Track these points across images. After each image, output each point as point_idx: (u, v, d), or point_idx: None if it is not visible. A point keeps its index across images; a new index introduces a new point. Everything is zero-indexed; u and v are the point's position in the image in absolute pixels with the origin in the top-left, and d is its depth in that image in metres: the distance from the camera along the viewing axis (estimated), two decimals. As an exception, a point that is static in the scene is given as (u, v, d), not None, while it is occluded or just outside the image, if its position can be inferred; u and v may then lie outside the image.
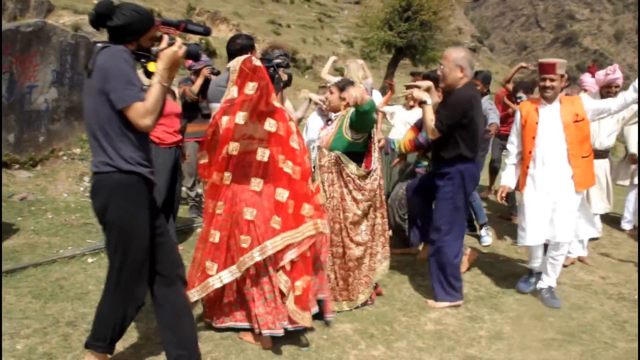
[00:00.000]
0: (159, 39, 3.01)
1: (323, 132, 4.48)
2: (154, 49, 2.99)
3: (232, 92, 3.63)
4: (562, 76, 4.69)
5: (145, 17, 2.95)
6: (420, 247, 5.84)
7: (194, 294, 3.67)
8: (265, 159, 3.60)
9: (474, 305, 4.74)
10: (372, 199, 4.32)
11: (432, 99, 4.61)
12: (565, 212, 4.67)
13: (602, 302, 4.98)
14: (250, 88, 3.58)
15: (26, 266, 4.82)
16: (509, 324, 4.42)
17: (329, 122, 4.59)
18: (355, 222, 4.29)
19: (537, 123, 4.76)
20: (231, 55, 4.13)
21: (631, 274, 5.79)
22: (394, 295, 4.84)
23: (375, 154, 4.36)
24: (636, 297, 5.13)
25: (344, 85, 4.47)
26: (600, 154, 6.14)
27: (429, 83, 4.65)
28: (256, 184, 3.59)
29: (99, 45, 2.89)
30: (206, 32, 3.22)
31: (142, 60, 2.97)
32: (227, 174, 3.60)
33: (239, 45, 4.17)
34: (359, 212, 4.27)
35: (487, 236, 6.54)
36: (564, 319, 4.55)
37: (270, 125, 3.65)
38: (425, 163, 5.74)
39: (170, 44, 2.95)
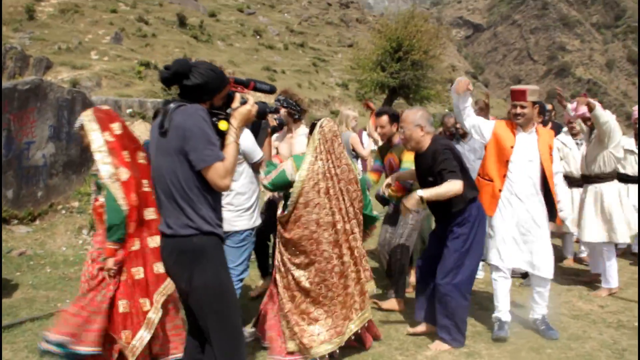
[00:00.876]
0: (231, 97, 3.01)
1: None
2: (229, 108, 3.00)
3: (105, 138, 3.80)
4: (534, 104, 4.69)
5: (221, 76, 2.92)
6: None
7: None
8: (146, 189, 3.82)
9: (471, 340, 4.72)
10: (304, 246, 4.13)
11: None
12: (542, 245, 4.73)
13: (601, 331, 4.96)
14: (117, 128, 3.84)
15: (23, 321, 4.85)
16: (507, 357, 4.41)
17: None
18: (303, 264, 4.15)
19: (512, 147, 4.74)
20: None
21: (630, 301, 5.78)
22: (390, 335, 4.83)
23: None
24: (635, 324, 5.11)
25: (312, 126, 4.30)
26: (591, 179, 6.07)
27: (415, 198, 4.31)
28: (150, 212, 3.80)
29: (173, 104, 2.82)
30: (272, 90, 3.23)
31: (214, 118, 2.91)
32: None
33: None
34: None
35: (481, 270, 6.54)
36: (563, 350, 4.53)
37: (141, 157, 3.90)
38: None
39: (243, 103, 2.96)
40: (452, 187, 4.24)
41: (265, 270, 5.78)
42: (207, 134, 2.72)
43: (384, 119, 5.48)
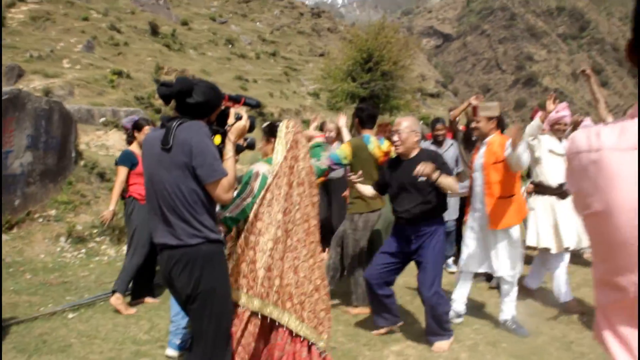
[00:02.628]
0: (227, 113, 3.15)
1: None
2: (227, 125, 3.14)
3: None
4: (489, 119, 5.06)
5: (219, 94, 3.07)
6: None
7: None
8: None
9: (434, 336, 5.09)
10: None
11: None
12: (497, 247, 5.06)
13: (553, 327, 5.36)
14: None
15: (9, 324, 5.06)
16: (465, 351, 4.77)
17: None
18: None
19: (475, 156, 5.27)
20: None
21: (582, 299, 6.17)
22: (359, 333, 5.17)
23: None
24: (585, 319, 5.51)
25: (267, 129, 3.99)
26: (552, 191, 5.94)
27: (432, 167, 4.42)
28: None
29: (174, 121, 2.93)
30: (258, 105, 3.46)
31: (210, 134, 3.06)
32: None
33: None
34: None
35: (454, 265, 6.97)
36: (517, 344, 4.90)
37: None
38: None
39: (238, 118, 3.11)
40: (455, 184, 4.64)
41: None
42: (212, 150, 2.89)
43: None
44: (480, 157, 5.14)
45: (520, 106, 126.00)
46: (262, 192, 3.53)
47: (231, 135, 3.09)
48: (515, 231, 5.09)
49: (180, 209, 2.90)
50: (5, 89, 8.32)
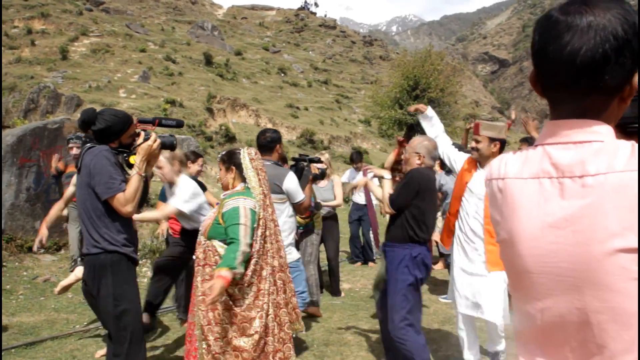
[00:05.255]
0: (138, 135, 3.41)
1: (207, 216, 3.84)
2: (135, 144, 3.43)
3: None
4: (491, 139, 4.34)
5: (123, 119, 3.38)
6: None
7: None
8: None
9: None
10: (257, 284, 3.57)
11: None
12: (485, 289, 4.33)
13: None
14: None
15: (44, 339, 5.32)
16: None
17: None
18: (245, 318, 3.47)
19: (466, 184, 4.47)
20: (261, 147, 4.71)
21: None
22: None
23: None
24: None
25: (227, 157, 3.79)
26: None
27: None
28: None
29: (87, 146, 3.34)
30: (178, 125, 3.62)
31: (124, 155, 3.39)
32: None
33: (269, 138, 4.76)
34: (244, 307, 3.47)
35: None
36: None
37: None
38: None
39: (146, 139, 3.35)
40: (385, 200, 4.26)
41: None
42: (108, 171, 3.21)
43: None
44: (478, 184, 4.42)
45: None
46: (260, 231, 3.58)
47: (137, 155, 3.33)
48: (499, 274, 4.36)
49: (87, 222, 3.30)
50: (55, 118, 8.78)
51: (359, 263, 9.66)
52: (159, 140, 3.40)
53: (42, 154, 8.36)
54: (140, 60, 34.47)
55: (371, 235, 9.77)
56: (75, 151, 4.88)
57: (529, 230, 1.12)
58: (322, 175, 5.22)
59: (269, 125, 31.95)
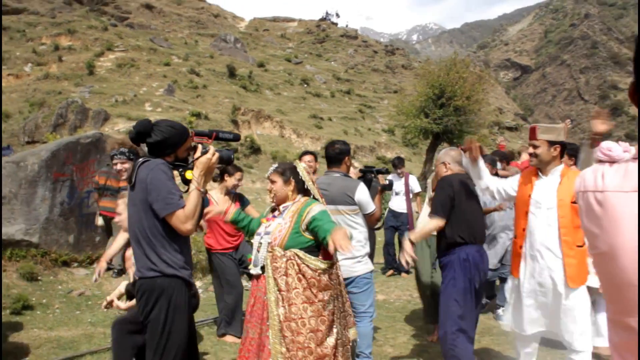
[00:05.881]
0: (194, 149, 3.27)
1: (271, 226, 3.70)
2: (190, 158, 3.28)
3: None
4: (550, 143, 4.11)
5: (180, 131, 3.22)
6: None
7: None
8: None
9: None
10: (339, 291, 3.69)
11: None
12: (568, 311, 3.97)
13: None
14: None
15: (83, 354, 5.33)
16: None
17: (275, 213, 3.83)
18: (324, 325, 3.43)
19: (529, 196, 4.19)
20: (329, 159, 4.69)
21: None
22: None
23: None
24: None
25: (285, 170, 3.80)
26: None
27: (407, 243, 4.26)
28: None
29: (140, 160, 3.16)
30: (235, 139, 3.48)
31: (180, 169, 3.21)
32: None
33: (338, 150, 4.68)
34: (326, 313, 3.44)
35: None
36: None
37: None
38: None
39: (204, 152, 3.20)
40: (431, 225, 4.32)
41: None
42: (167, 185, 3.04)
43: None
44: (547, 191, 4.13)
45: (606, 137, 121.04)
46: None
47: (195, 170, 3.18)
48: (588, 291, 4.10)
49: (142, 243, 3.10)
50: (88, 133, 8.87)
51: (390, 271, 9.53)
52: (217, 154, 3.27)
53: (75, 168, 8.44)
54: (165, 73, 34.84)
55: None
56: (119, 167, 4.77)
57: (633, 243, 1.09)
58: (390, 186, 5.14)
59: (293, 137, 32.02)
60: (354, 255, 4.45)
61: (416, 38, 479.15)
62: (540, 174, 4.23)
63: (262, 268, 3.57)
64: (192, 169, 3.21)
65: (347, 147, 4.77)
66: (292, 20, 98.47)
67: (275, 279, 3.44)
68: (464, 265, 4.23)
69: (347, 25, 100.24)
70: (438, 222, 4.29)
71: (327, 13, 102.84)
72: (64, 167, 8.24)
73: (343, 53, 77.84)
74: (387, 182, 5.15)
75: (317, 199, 3.74)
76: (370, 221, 4.69)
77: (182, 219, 3.04)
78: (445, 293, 4.28)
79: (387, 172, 5.22)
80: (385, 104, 51.54)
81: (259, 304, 3.54)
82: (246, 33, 74.19)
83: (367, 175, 5.07)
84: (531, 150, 4.21)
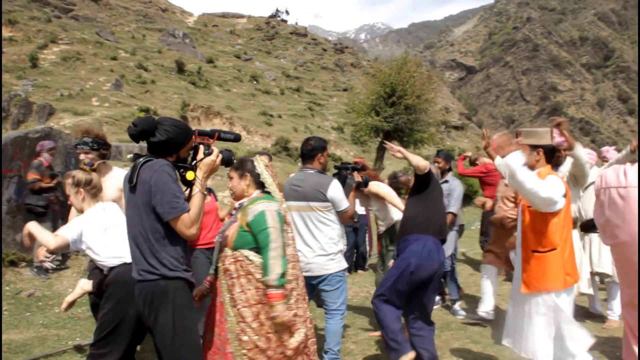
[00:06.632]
0: (195, 149, 3.14)
1: (226, 225, 3.65)
2: (190, 158, 3.15)
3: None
4: (533, 147, 4.03)
5: (185, 130, 3.06)
6: None
7: None
8: None
9: None
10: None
11: None
12: (524, 317, 3.95)
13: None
14: None
15: (37, 358, 5.12)
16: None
17: (234, 211, 3.72)
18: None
19: (520, 201, 4.22)
20: (303, 155, 4.63)
21: (613, 332, 6.01)
22: None
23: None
24: (618, 353, 5.36)
25: (240, 164, 3.69)
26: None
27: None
28: None
29: (141, 159, 2.97)
30: (236, 139, 3.37)
31: (181, 170, 3.05)
32: None
33: (311, 147, 4.61)
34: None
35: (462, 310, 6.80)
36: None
37: None
38: None
39: (208, 154, 3.09)
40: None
41: None
42: (172, 188, 2.89)
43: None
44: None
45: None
46: (290, 234, 3.57)
47: (199, 171, 3.08)
48: (550, 299, 3.85)
49: (143, 245, 2.96)
50: (37, 127, 8.54)
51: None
52: (221, 155, 3.17)
53: (24, 164, 8.10)
54: (112, 68, 34.06)
55: (367, 244, 9.78)
56: (82, 157, 4.51)
57: None
58: (366, 183, 5.08)
59: (243, 133, 31.78)
60: (327, 252, 4.44)
61: (364, 37, 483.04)
62: None
63: (217, 269, 3.51)
64: (193, 169, 3.07)
65: (321, 143, 4.72)
66: (242, 16, 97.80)
67: (226, 280, 3.39)
68: (420, 252, 4.40)
69: (296, 23, 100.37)
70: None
71: (277, 10, 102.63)
72: (11, 162, 7.91)
73: (292, 50, 77.80)
74: (363, 179, 5.10)
75: (272, 196, 3.60)
76: (343, 218, 4.65)
77: (187, 224, 2.93)
78: (392, 268, 4.52)
79: (363, 168, 5.15)
80: (335, 102, 51.81)
81: (215, 305, 3.48)
82: (195, 28, 73.23)
83: (342, 172, 5.01)
84: None
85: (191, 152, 3.17)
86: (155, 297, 2.95)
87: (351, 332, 6.00)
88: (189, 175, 3.04)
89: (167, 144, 2.99)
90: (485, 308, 6.02)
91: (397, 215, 5.70)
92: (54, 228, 7.85)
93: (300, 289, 3.53)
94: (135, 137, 2.96)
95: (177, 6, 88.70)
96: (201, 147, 3.13)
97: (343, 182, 4.77)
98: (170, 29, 56.03)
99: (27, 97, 22.16)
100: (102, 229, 3.71)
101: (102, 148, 4.41)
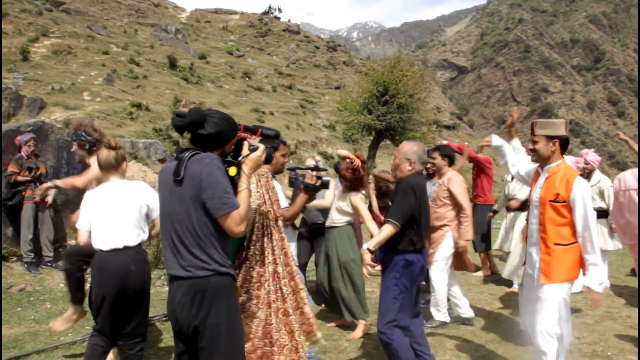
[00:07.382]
0: (240, 144, 3.07)
1: None
2: (242, 156, 3.05)
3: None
4: (549, 138, 4.04)
5: (233, 124, 2.98)
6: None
7: None
8: None
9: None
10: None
11: None
12: (538, 306, 3.99)
13: (576, 360, 5.27)
14: None
15: (29, 353, 5.07)
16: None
17: None
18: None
19: (531, 191, 4.25)
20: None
21: (605, 333, 6.06)
22: None
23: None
24: (609, 353, 5.41)
25: None
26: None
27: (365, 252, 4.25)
28: None
29: (187, 153, 2.88)
30: (276, 136, 3.33)
31: (225, 165, 2.95)
32: None
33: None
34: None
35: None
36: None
37: None
38: None
39: (253, 149, 3.02)
40: (386, 231, 4.16)
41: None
42: (223, 183, 2.80)
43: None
44: (537, 188, 4.14)
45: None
46: (254, 237, 3.51)
47: (245, 167, 3.01)
48: (567, 289, 4.00)
49: (190, 241, 2.85)
50: (29, 120, 8.46)
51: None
52: (266, 152, 3.09)
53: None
54: (104, 62, 33.86)
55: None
56: (73, 148, 4.57)
57: None
58: (324, 185, 4.63)
59: (253, 137, 31.55)
60: None
61: (356, 35, 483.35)
62: (540, 169, 4.22)
63: None
64: (236, 165, 2.99)
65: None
66: (235, 12, 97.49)
67: None
68: (409, 268, 4.23)
69: (289, 20, 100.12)
70: (394, 230, 4.15)
71: (269, 7, 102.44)
72: (3, 156, 7.84)
73: (285, 48, 77.65)
74: (318, 181, 4.57)
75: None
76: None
77: (236, 221, 2.83)
78: (387, 291, 4.25)
79: (318, 168, 4.75)
80: (327, 100, 51.80)
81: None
82: (187, 24, 72.95)
83: (291, 174, 4.96)
84: (531, 146, 4.16)
85: (233, 147, 3.08)
86: (207, 295, 2.85)
87: (345, 330, 5.99)
88: (232, 170, 2.95)
89: (217, 137, 2.91)
90: (465, 309, 6.22)
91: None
92: (35, 220, 7.86)
93: (262, 291, 3.48)
94: (182, 128, 2.88)
95: (170, 1, 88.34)
96: (245, 143, 3.07)
97: (292, 184, 4.74)
98: (162, 24, 55.75)
99: (17, 91, 21.95)
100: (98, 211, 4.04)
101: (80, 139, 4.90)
